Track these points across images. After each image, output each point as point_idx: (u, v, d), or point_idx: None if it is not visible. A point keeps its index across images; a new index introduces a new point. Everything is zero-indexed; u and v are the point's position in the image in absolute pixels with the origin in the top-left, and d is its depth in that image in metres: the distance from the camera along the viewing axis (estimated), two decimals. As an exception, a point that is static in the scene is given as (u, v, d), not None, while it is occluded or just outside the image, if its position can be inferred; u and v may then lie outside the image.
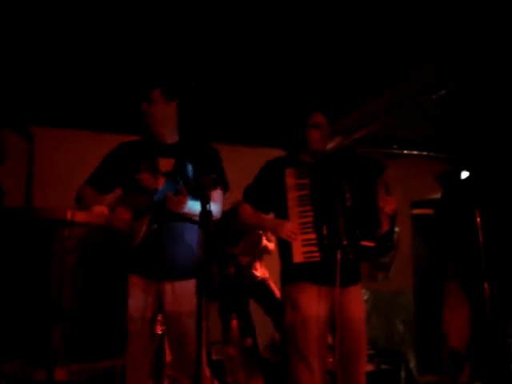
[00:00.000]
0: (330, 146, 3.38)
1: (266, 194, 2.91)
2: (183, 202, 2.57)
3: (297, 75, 4.27)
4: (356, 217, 2.73)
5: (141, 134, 2.96)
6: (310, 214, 2.76)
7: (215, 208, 2.67)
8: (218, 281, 4.13)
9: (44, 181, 4.30)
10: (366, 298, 5.86)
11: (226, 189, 2.87)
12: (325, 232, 2.70)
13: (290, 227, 2.73)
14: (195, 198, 2.47)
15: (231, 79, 4.35)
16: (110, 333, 2.41)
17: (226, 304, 4.23)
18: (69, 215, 2.00)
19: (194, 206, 2.55)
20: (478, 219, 3.26)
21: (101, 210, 2.49)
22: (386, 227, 2.75)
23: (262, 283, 4.28)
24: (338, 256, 2.67)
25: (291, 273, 2.80)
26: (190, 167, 2.76)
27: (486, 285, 3.10)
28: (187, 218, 2.71)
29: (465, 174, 3.61)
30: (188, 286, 2.60)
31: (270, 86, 4.46)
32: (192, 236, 2.73)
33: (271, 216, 2.94)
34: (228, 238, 4.21)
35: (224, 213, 2.95)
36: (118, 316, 2.44)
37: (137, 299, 2.63)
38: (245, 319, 4.19)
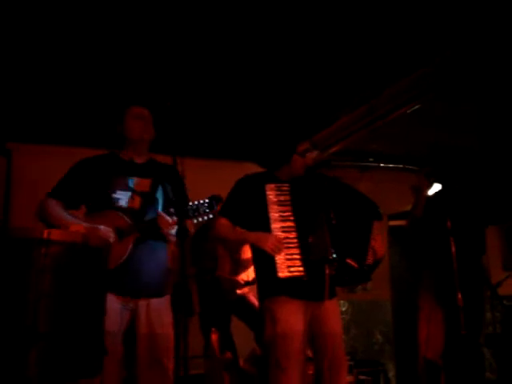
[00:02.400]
0: (310, 160, 3.42)
1: (244, 208, 2.93)
2: (173, 225, 2.61)
3: (271, 88, 4.31)
4: (343, 236, 2.80)
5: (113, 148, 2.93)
6: (293, 229, 2.80)
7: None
8: (196, 297, 4.15)
9: (22, 196, 4.27)
10: (344, 309, 5.93)
11: None
12: (311, 247, 2.75)
13: (275, 240, 2.75)
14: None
15: (206, 93, 4.38)
16: (87, 352, 2.40)
17: (207, 319, 4.24)
18: (45, 234, 1.99)
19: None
20: (450, 230, 3.33)
21: (77, 228, 2.48)
22: (370, 260, 2.87)
23: (242, 298, 4.29)
24: (327, 271, 2.73)
25: (271, 287, 2.82)
26: (168, 188, 2.77)
27: (459, 295, 3.16)
28: (162, 236, 2.71)
29: (437, 187, 3.67)
30: (163, 303, 2.69)
31: (243, 100, 4.49)
32: (164, 253, 2.76)
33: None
34: (205, 254, 4.23)
35: (200, 228, 2.99)
36: (95, 334, 2.43)
37: (112, 316, 2.57)
38: (224, 333, 4.20)
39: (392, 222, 6.01)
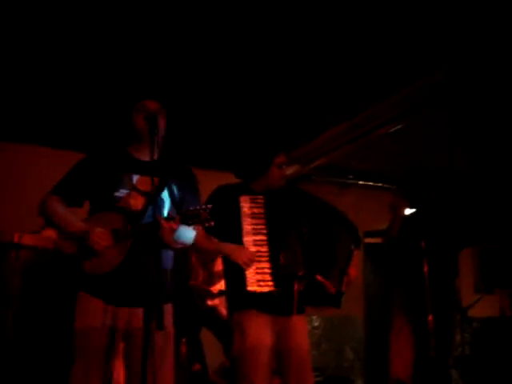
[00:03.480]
0: (288, 172, 3.43)
1: (218, 219, 2.90)
2: (174, 231, 2.40)
3: (252, 100, 4.30)
4: (315, 255, 2.80)
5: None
6: (265, 243, 2.79)
7: (191, 234, 2.54)
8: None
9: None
10: (316, 324, 5.93)
11: None
12: (281, 262, 2.74)
13: (247, 254, 2.74)
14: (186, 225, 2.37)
15: (185, 101, 4.35)
16: (56, 356, 2.35)
17: (177, 329, 4.19)
18: (16, 238, 1.96)
19: (183, 234, 2.45)
20: (424, 251, 3.36)
21: (49, 233, 2.40)
22: (344, 288, 2.87)
23: (213, 310, 4.27)
24: (295, 286, 2.72)
25: (241, 300, 2.81)
26: (175, 189, 2.60)
27: (429, 317, 3.19)
28: (163, 245, 2.48)
29: (411, 210, 3.71)
30: (167, 310, 2.57)
31: (223, 109, 4.47)
32: (165, 260, 2.58)
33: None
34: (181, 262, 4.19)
35: None
36: (64, 339, 2.36)
37: (93, 324, 2.43)
38: (194, 344, 4.17)
39: (368, 240, 6.04)
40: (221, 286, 4.26)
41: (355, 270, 2.95)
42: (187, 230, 2.45)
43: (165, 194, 2.58)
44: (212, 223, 2.40)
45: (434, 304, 3.26)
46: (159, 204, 2.51)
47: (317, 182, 5.68)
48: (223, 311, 4.25)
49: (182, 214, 2.38)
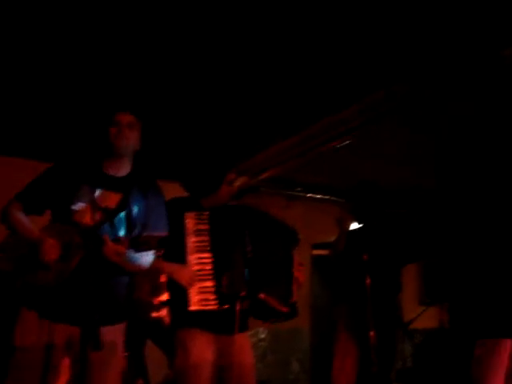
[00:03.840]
0: (236, 184, 3.41)
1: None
2: (122, 254, 2.35)
3: (201, 111, 4.26)
4: (259, 270, 2.79)
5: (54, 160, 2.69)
6: (209, 261, 2.76)
7: (150, 259, 2.52)
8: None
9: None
10: (263, 336, 5.92)
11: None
12: (224, 281, 2.72)
13: (190, 274, 2.71)
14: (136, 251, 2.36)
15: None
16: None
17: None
18: None
19: (139, 258, 2.43)
20: (367, 266, 3.40)
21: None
22: (295, 296, 2.87)
23: (158, 322, 4.19)
24: (237, 307, 2.70)
25: (185, 319, 2.78)
26: (136, 208, 2.53)
27: (371, 333, 3.23)
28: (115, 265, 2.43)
29: (357, 225, 3.76)
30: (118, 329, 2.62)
31: (166, 119, 4.40)
32: (117, 279, 2.55)
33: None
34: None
35: None
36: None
37: (30, 339, 2.38)
38: (137, 359, 4.08)
39: (316, 252, 6.09)
40: (166, 296, 4.19)
41: (301, 273, 2.93)
42: (145, 255, 2.42)
43: (125, 213, 2.52)
44: (161, 252, 2.44)
45: (376, 319, 3.30)
46: (116, 222, 2.47)
47: (265, 193, 5.70)
48: (169, 322, 4.18)
49: (133, 240, 2.36)
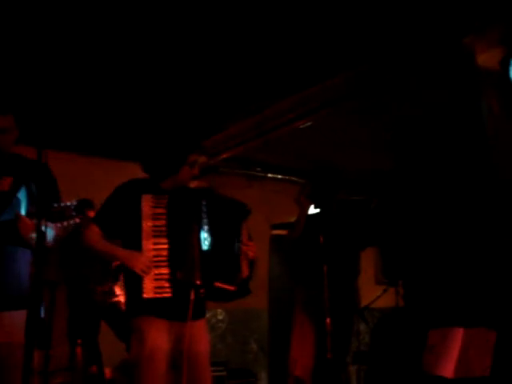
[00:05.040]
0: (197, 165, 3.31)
1: (117, 219, 2.75)
2: (33, 229, 2.35)
3: (161, 90, 4.18)
4: (214, 257, 2.70)
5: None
6: (165, 246, 2.66)
7: (50, 234, 2.49)
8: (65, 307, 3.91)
9: None
10: (221, 317, 5.90)
11: None
12: (179, 269, 2.63)
13: (145, 261, 2.61)
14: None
15: (90, 87, 4.14)
16: None
17: (74, 329, 4.01)
18: None
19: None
20: (323, 251, 3.37)
21: None
22: (246, 272, 2.76)
23: (114, 306, 4.10)
24: (192, 296, 2.63)
25: (139, 306, 2.69)
26: (33, 187, 2.54)
27: (327, 319, 3.22)
28: (22, 242, 2.47)
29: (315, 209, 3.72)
30: (19, 317, 2.44)
31: (128, 97, 4.32)
32: (24, 261, 2.54)
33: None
34: (75, 260, 3.99)
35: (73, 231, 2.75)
36: None
37: None
38: (91, 346, 3.99)
39: (275, 231, 6.07)
40: (119, 281, 4.12)
41: (251, 248, 2.80)
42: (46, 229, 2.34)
43: (21, 193, 2.54)
44: (78, 220, 2.41)
45: (332, 304, 3.29)
46: (13, 203, 2.48)
47: (224, 173, 5.62)
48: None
49: (46, 212, 2.31)
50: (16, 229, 2.40)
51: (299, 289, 3.80)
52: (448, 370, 2.76)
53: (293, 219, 3.80)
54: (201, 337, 2.85)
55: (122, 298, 4.14)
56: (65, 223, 2.43)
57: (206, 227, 2.73)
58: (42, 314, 2.65)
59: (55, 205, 2.38)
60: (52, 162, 2.47)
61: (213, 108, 4.50)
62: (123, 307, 4.12)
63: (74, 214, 2.40)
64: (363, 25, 3.26)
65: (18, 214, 2.40)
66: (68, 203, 2.40)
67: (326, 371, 3.31)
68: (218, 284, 2.69)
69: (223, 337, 5.86)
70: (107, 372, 4.25)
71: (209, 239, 2.72)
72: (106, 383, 4.09)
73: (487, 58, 3.15)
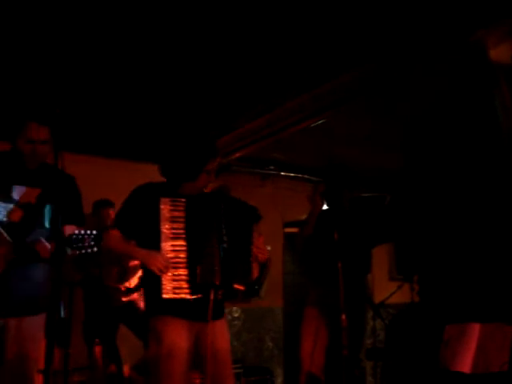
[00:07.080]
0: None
1: (136, 221, 2.79)
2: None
3: (173, 93, 4.21)
4: (231, 259, 2.74)
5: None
6: (184, 248, 2.70)
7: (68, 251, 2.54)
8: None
9: None
10: (237, 315, 5.93)
11: (82, 224, 2.75)
12: (199, 270, 2.66)
13: (163, 260, 2.65)
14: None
15: (108, 90, 4.19)
16: None
17: (91, 329, 4.05)
18: None
19: None
20: (336, 248, 3.37)
21: None
22: (256, 274, 2.82)
23: (131, 305, 4.15)
24: (211, 296, 2.66)
25: (158, 306, 2.73)
26: (59, 201, 2.53)
27: (343, 316, 3.23)
28: (42, 259, 2.54)
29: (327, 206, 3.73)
30: (39, 319, 2.56)
31: (143, 99, 4.36)
32: (41, 272, 2.60)
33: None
34: (90, 261, 4.03)
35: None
36: None
37: None
38: (110, 345, 4.04)
39: (288, 229, 6.09)
40: (129, 283, 4.17)
41: (262, 251, 2.86)
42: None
43: (47, 207, 2.58)
44: (95, 249, 2.44)
45: (346, 301, 3.29)
46: (38, 217, 2.53)
47: (237, 172, 5.64)
48: (141, 305, 4.15)
49: (66, 238, 2.38)
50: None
51: (312, 285, 3.81)
52: (465, 365, 2.75)
53: (305, 217, 3.81)
54: (222, 334, 2.88)
55: (136, 297, 4.19)
56: (82, 251, 2.46)
57: (224, 230, 2.77)
58: (62, 314, 2.70)
59: (76, 232, 2.41)
60: (72, 164, 2.51)
61: (224, 108, 4.52)
62: (139, 306, 4.18)
63: (92, 243, 2.44)
64: (374, 20, 3.25)
65: (39, 240, 2.46)
66: (88, 232, 2.43)
67: (339, 367, 3.31)
68: (237, 286, 2.74)
69: (239, 334, 5.89)
70: (126, 370, 4.30)
71: (226, 241, 2.75)
72: (125, 382, 4.13)
73: (499, 53, 3.14)
